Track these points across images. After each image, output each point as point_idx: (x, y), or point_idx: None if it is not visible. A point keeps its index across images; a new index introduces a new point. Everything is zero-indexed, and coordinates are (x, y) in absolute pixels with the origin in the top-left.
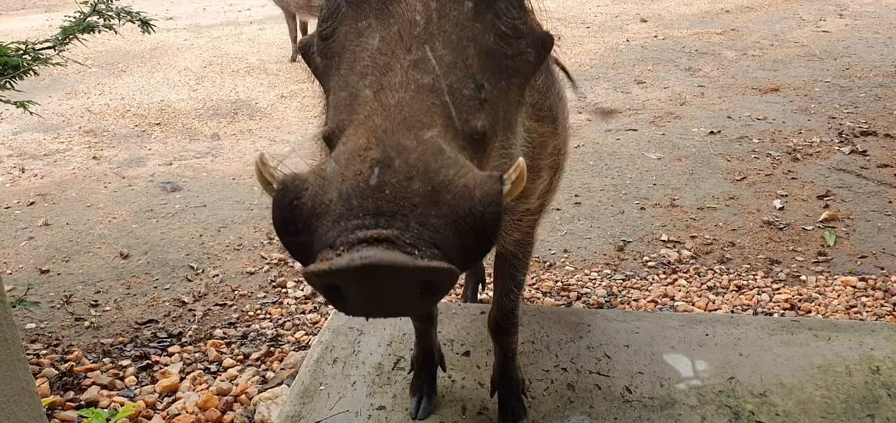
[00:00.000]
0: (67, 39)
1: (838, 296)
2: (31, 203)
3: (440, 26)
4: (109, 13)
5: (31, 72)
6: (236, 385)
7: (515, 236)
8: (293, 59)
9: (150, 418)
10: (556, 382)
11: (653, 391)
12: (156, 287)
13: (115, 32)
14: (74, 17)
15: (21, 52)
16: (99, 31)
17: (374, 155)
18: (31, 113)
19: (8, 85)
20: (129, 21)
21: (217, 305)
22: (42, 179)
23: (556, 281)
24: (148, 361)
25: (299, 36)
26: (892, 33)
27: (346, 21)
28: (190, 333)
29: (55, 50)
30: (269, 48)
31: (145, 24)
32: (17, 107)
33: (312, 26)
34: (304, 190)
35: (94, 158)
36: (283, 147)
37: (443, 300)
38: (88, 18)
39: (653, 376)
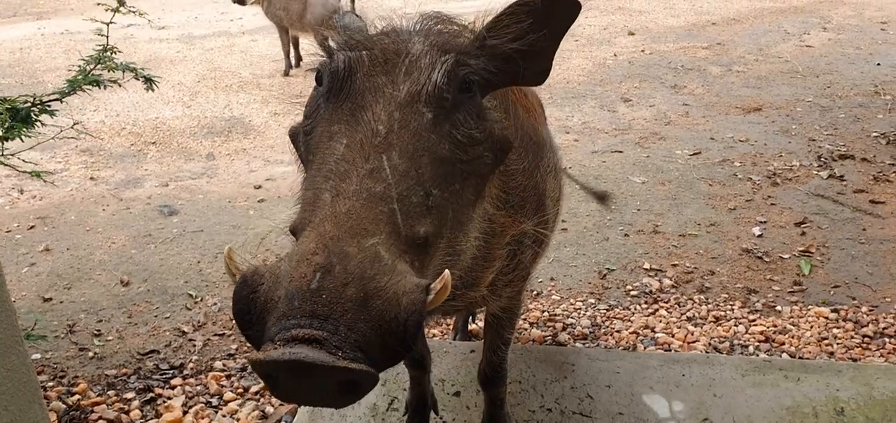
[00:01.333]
0: (73, 91)
1: (811, 327)
2: (32, 227)
3: (399, 136)
4: (114, 66)
5: (38, 123)
6: (237, 420)
7: (500, 302)
8: (286, 74)
9: None
10: None
11: None
12: (156, 316)
13: (120, 86)
14: (80, 65)
15: (29, 104)
16: (104, 87)
17: (318, 260)
18: (42, 179)
19: (17, 136)
20: (134, 78)
21: (216, 335)
22: (41, 202)
23: (543, 311)
24: (151, 393)
25: (292, 50)
26: (872, 49)
27: (322, 121)
28: (191, 364)
29: (61, 101)
30: (261, 61)
31: (149, 82)
32: (33, 177)
33: (304, 41)
34: (260, 285)
35: (91, 178)
36: (277, 168)
37: (435, 339)
38: (93, 71)
39: (632, 416)
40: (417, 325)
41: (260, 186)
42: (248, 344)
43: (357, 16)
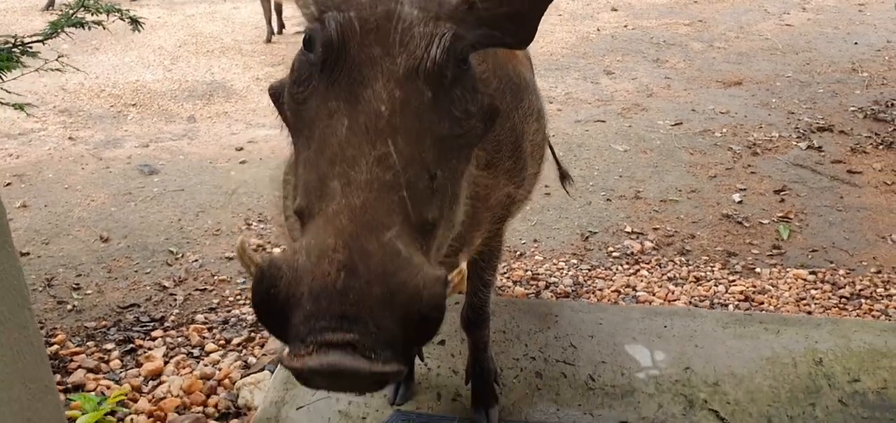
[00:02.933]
0: (56, 33)
1: (790, 288)
2: (8, 184)
3: (402, 118)
4: (98, 8)
5: (20, 65)
6: (219, 370)
7: (485, 244)
8: (268, 40)
9: (136, 401)
10: (525, 370)
11: (614, 380)
12: (137, 271)
13: (104, 28)
14: (62, 10)
15: (10, 45)
16: (88, 28)
17: (341, 258)
18: (16, 107)
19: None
20: (119, 19)
21: (197, 290)
22: (18, 160)
23: (527, 271)
24: (132, 344)
25: (274, 17)
26: (850, 29)
27: (316, 94)
28: (172, 317)
29: (44, 43)
30: (243, 28)
31: (135, 22)
32: (16, 109)
33: (287, 7)
34: (279, 278)
35: (69, 138)
36: (259, 131)
37: None
38: (76, 13)
39: (615, 365)
40: (439, 317)
41: (242, 148)
42: (264, 328)
43: None
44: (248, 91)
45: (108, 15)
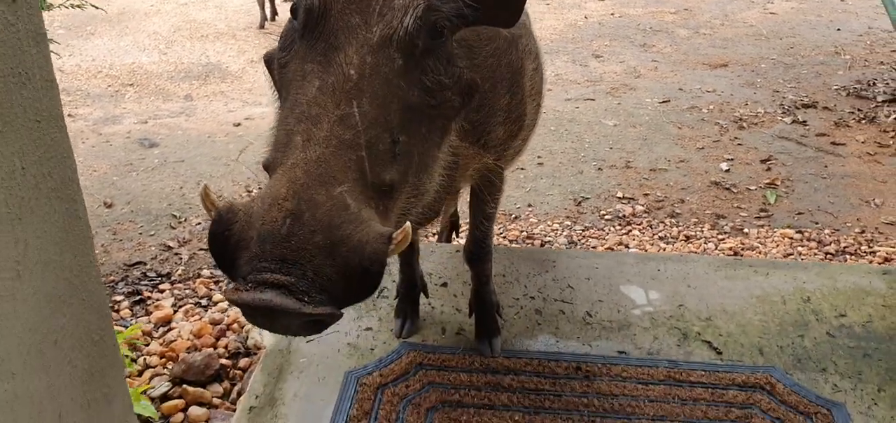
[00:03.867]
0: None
1: (777, 245)
2: None
3: (370, 82)
4: None
5: None
6: (227, 316)
7: (485, 175)
8: (261, 27)
9: (147, 344)
10: (525, 308)
11: (611, 316)
12: (141, 234)
13: (82, 9)
14: None
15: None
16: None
17: (288, 207)
18: None
19: None
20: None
21: (202, 249)
22: None
23: (522, 231)
24: (140, 296)
25: (267, 4)
26: (833, 17)
27: (297, 57)
28: (178, 272)
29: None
30: (236, 15)
31: None
32: None
33: None
34: (234, 222)
35: (69, 115)
36: (256, 109)
37: (422, 241)
38: None
39: (611, 303)
40: (379, 271)
41: (239, 124)
42: (217, 265)
43: None
44: (243, 73)
45: None
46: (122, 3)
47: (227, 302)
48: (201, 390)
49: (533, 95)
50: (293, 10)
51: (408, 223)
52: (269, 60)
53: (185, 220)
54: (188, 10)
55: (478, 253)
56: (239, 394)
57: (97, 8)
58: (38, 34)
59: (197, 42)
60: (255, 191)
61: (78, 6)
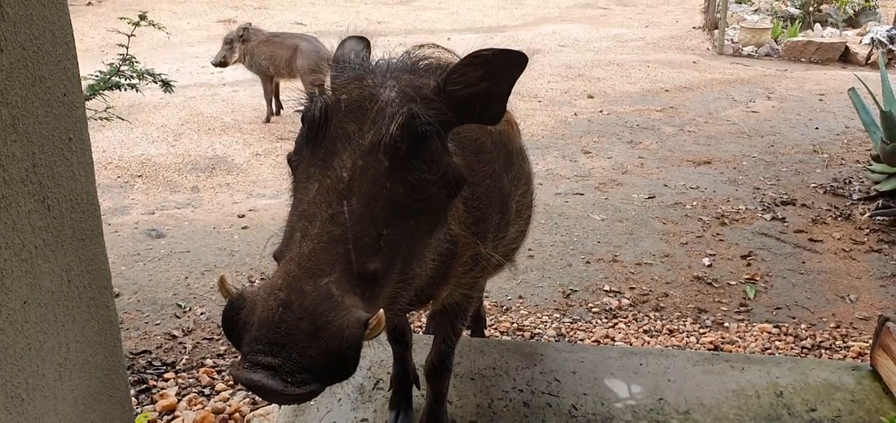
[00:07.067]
0: (93, 95)
1: (755, 340)
2: None
3: (359, 182)
4: (132, 74)
5: None
6: (230, 405)
7: (460, 293)
8: (267, 121)
9: None
10: (513, 401)
11: (595, 409)
12: (147, 323)
13: (137, 91)
14: (98, 75)
15: None
16: (124, 89)
17: (281, 296)
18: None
19: None
20: (152, 81)
21: (205, 338)
22: None
23: (512, 323)
24: (145, 385)
25: (274, 100)
26: (812, 116)
27: (303, 161)
28: (183, 361)
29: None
30: (242, 109)
31: (166, 85)
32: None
33: (289, 87)
34: (241, 308)
35: None
36: (260, 200)
37: (414, 334)
38: (112, 77)
39: (595, 396)
40: (356, 353)
41: (243, 215)
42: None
43: (359, 38)
44: (248, 165)
45: (140, 78)
46: (132, 97)
47: (228, 392)
48: None
49: (520, 214)
50: (302, 119)
51: (381, 312)
52: (289, 162)
53: (190, 310)
54: (196, 104)
55: (439, 368)
56: None
57: (110, 107)
58: (88, 164)
59: (204, 135)
60: (257, 281)
61: (106, 118)
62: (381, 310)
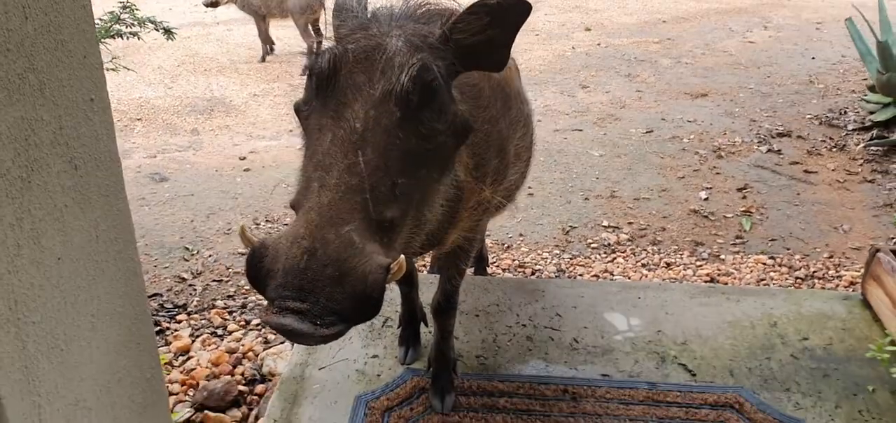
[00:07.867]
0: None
1: (751, 271)
2: None
3: (373, 133)
4: (133, 22)
5: None
6: (243, 345)
7: (463, 235)
8: (263, 60)
9: (169, 373)
10: (517, 335)
11: (595, 341)
12: (156, 266)
13: (139, 39)
14: (98, 23)
15: None
16: (127, 38)
17: (305, 244)
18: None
19: None
20: (154, 29)
21: (214, 281)
22: None
23: (514, 260)
24: (158, 327)
25: (269, 36)
26: (808, 45)
27: (315, 112)
28: (194, 304)
29: None
30: (238, 49)
31: (169, 32)
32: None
33: (281, 26)
34: (265, 256)
35: None
36: (260, 142)
37: (419, 274)
38: (113, 26)
39: (595, 330)
40: (380, 295)
41: (244, 158)
42: (255, 293)
43: None
44: (246, 106)
45: (141, 26)
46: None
47: (241, 332)
48: (221, 415)
49: (519, 157)
50: (308, 72)
51: (401, 257)
52: (297, 110)
53: (198, 252)
54: (191, 44)
55: (445, 307)
56: (256, 419)
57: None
58: (109, 123)
59: (201, 76)
60: (263, 223)
61: (112, 69)
62: (401, 256)
